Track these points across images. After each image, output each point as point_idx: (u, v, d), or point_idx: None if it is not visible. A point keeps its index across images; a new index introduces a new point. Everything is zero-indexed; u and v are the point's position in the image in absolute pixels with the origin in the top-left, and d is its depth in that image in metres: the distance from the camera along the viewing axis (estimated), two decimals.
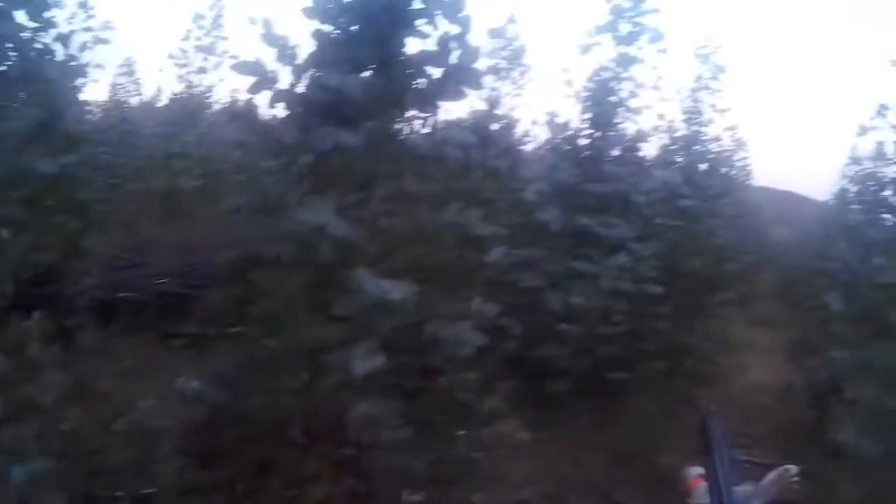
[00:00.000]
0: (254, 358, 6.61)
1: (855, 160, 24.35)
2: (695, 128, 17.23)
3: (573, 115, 11.24)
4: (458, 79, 6.57)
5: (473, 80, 6.66)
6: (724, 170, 22.35)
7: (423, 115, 6.69)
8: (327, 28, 6.72)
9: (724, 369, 13.80)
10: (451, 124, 6.78)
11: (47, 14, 11.13)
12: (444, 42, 6.59)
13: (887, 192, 12.88)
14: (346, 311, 6.19)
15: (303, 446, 6.36)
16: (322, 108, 6.36)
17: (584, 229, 10.30)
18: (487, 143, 8.70)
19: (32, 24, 10.94)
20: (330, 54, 6.63)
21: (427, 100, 6.58)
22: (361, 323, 6.24)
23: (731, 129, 18.73)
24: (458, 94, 6.59)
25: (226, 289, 6.91)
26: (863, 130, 12.58)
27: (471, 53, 6.65)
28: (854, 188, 23.34)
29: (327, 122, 6.26)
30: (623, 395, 10.73)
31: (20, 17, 10.68)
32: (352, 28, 6.74)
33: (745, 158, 28.57)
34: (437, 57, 6.58)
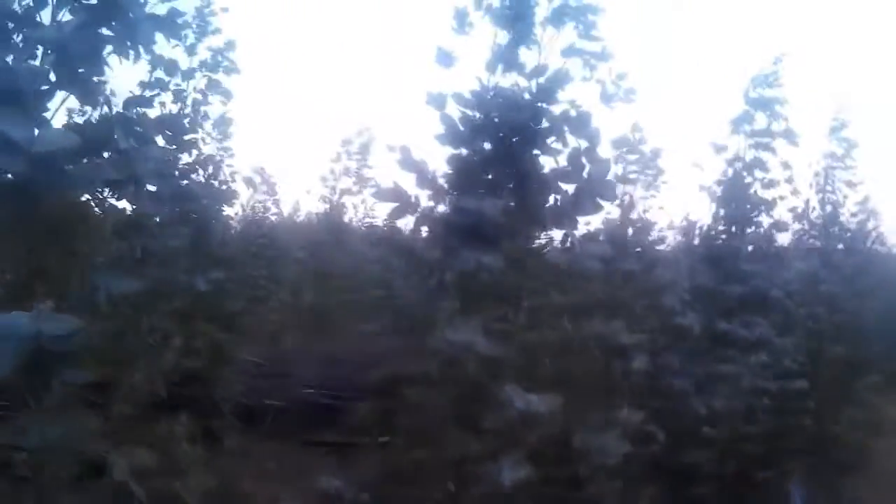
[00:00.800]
0: (399, 467, 6.81)
1: None
2: (829, 208, 16.80)
3: (707, 214, 11.26)
4: (593, 192, 6.79)
5: (608, 192, 6.88)
6: (861, 245, 21.55)
7: (560, 230, 6.92)
8: (461, 151, 7.06)
9: (873, 455, 13.19)
10: (588, 237, 6.99)
11: (186, 137, 12.05)
12: (575, 157, 6.85)
13: None
14: (493, 425, 6.35)
15: None
16: (462, 229, 6.67)
17: (724, 331, 10.23)
18: (624, 250, 8.83)
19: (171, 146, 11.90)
20: (466, 177, 6.97)
21: (563, 216, 6.82)
22: (508, 435, 6.39)
23: (864, 202, 17.99)
24: (593, 208, 6.82)
25: (373, 402, 7.17)
26: None
27: (602, 166, 6.88)
28: None
29: (468, 242, 6.56)
30: (770, 494, 10.42)
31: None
32: (485, 150, 7.05)
33: (879, 227, 27.38)
34: (570, 173, 6.83)
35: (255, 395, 13.10)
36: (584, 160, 6.84)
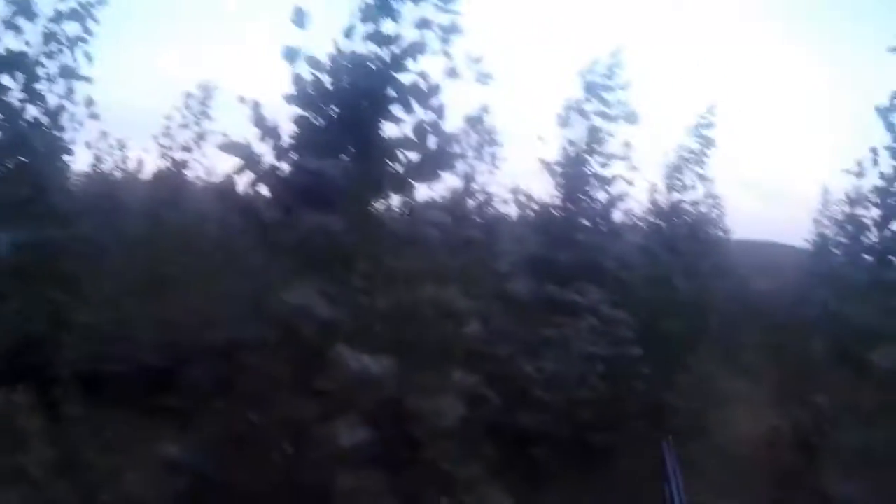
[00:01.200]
0: (238, 431, 6.78)
1: (834, 203, 24.80)
2: (676, 195, 17.53)
3: (546, 188, 11.69)
4: (435, 162, 6.94)
5: (449, 163, 7.05)
6: (703, 232, 22.74)
7: (400, 196, 7.03)
8: (308, 113, 7.05)
9: (708, 424, 14.07)
10: (427, 205, 7.13)
11: (37, 86, 11.44)
12: (420, 128, 6.98)
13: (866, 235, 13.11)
14: (328, 387, 6.42)
15: None
16: (303, 189, 6.68)
17: (555, 297, 10.66)
18: (462, 220, 9.07)
19: (21, 96, 11.25)
20: (311, 138, 6.97)
21: (404, 182, 6.93)
22: (344, 397, 6.47)
23: (712, 195, 18.92)
24: (434, 177, 6.98)
25: (211, 364, 7.10)
26: (859, 170, 12.74)
27: (446, 138, 7.04)
28: (833, 233, 23.73)
29: (308, 203, 6.58)
30: (606, 458, 11.00)
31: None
32: (331, 114, 7.07)
33: (723, 215, 29.13)
34: (413, 142, 6.96)
35: (95, 361, 12.60)
36: (428, 131, 6.97)
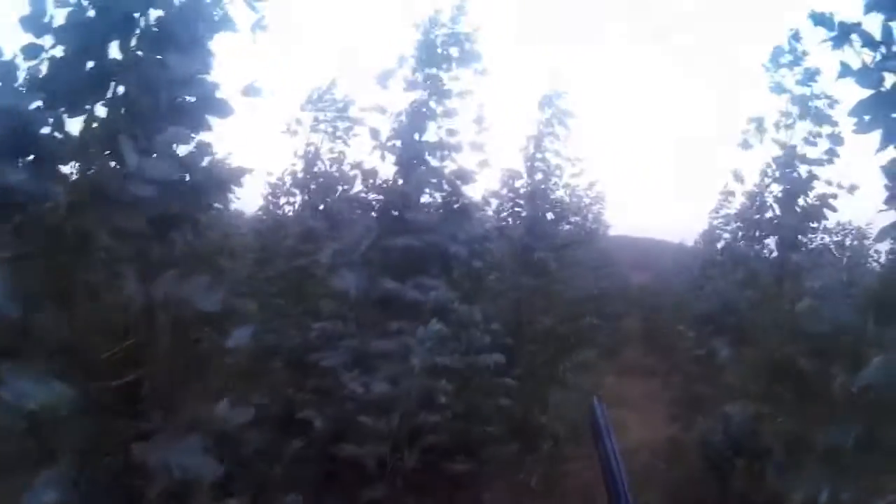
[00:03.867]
0: None
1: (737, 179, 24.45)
2: (539, 176, 15.90)
3: (377, 160, 9.45)
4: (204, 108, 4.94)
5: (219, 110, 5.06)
6: (575, 219, 21.26)
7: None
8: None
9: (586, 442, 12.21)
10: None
11: None
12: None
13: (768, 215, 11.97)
14: None
15: None
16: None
17: (389, 294, 8.47)
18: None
19: None
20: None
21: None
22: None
23: (578, 175, 17.38)
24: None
25: None
26: (745, 144, 11.73)
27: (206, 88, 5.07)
28: (730, 217, 23.44)
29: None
30: (469, 488, 8.91)
31: None
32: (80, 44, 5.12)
33: (600, 208, 27.95)
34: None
35: None
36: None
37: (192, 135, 5.29)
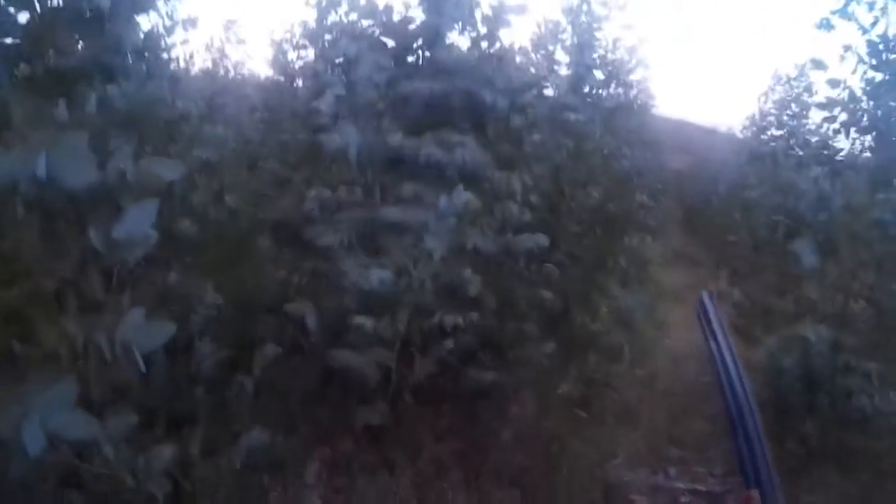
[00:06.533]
0: None
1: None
2: (584, 30, 13.81)
3: None
4: None
5: None
6: (621, 86, 19.02)
7: None
8: None
9: (644, 342, 10.40)
10: None
11: None
12: None
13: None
14: None
15: None
16: None
17: (402, 153, 6.48)
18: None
19: None
20: None
21: None
22: None
23: (629, 28, 15.29)
24: None
25: None
26: (826, 25, 9.21)
27: None
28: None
29: None
30: (493, 402, 7.17)
31: None
32: None
33: (646, 76, 25.33)
34: None
35: None
36: None
37: None
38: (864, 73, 9.39)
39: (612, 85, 15.30)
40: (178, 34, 5.94)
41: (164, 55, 5.85)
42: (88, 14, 4.19)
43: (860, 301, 8.10)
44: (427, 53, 7.05)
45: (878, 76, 9.20)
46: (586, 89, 12.81)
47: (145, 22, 5.03)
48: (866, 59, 9.07)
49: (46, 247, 3.80)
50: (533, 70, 11.96)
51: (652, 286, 12.93)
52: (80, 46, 4.24)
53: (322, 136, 6.39)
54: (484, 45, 7.35)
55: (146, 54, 4.92)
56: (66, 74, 4.14)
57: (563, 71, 12.69)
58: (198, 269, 5.74)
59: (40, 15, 4.13)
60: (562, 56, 13.12)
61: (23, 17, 4.22)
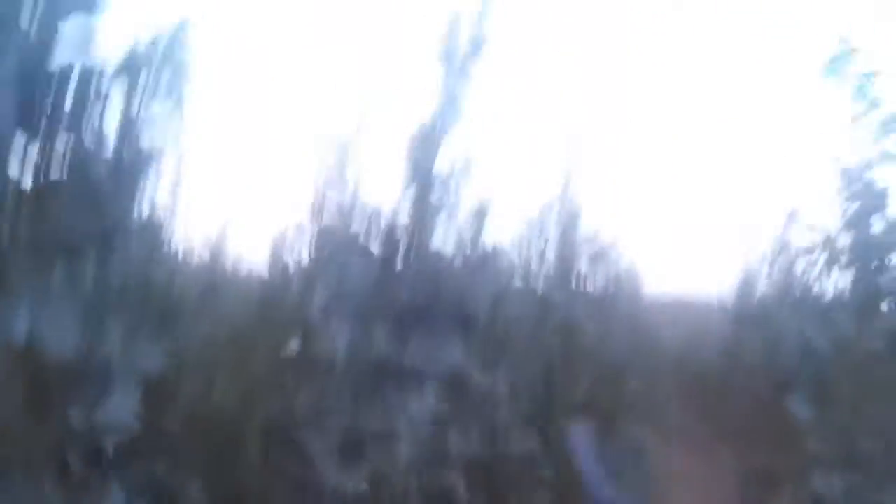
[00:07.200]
0: None
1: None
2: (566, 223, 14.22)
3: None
4: None
5: None
6: (607, 275, 19.30)
7: None
8: None
9: None
10: None
11: None
12: None
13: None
14: None
15: None
16: None
17: (387, 360, 6.54)
18: None
19: None
20: None
21: None
22: None
23: (612, 217, 15.75)
24: None
25: None
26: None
27: None
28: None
29: None
30: None
31: None
32: None
33: (632, 261, 25.84)
34: None
35: None
36: None
37: None
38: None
39: (598, 275, 15.59)
40: (180, 221, 6.14)
41: (165, 240, 6.05)
42: (92, 189, 4.33)
43: (868, 439, 8.08)
44: (412, 257, 7.31)
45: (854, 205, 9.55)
46: (572, 283, 13.06)
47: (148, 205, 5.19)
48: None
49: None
50: (517, 268, 12.29)
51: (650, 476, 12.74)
52: (81, 220, 4.35)
53: (311, 338, 6.54)
54: (468, 248, 7.64)
55: (147, 236, 5.07)
56: (66, 242, 4.19)
57: (547, 267, 13.00)
58: (183, 465, 5.69)
59: (43, 185, 4.25)
60: (546, 250, 13.47)
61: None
